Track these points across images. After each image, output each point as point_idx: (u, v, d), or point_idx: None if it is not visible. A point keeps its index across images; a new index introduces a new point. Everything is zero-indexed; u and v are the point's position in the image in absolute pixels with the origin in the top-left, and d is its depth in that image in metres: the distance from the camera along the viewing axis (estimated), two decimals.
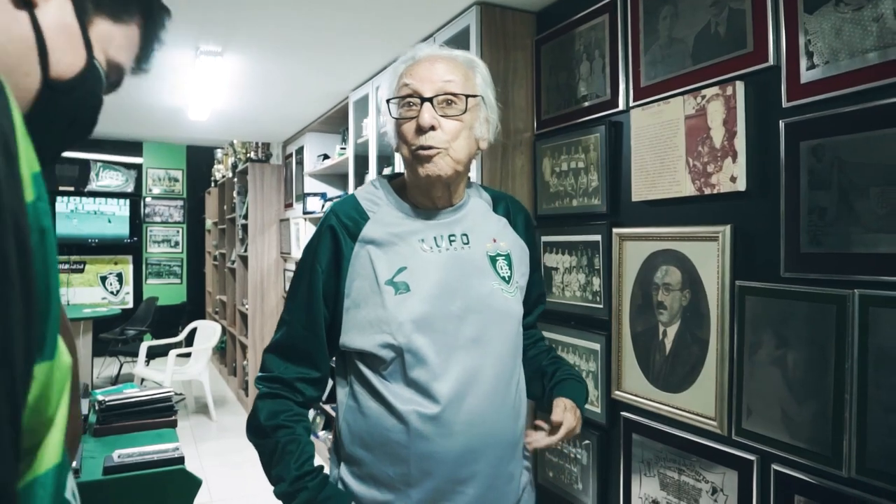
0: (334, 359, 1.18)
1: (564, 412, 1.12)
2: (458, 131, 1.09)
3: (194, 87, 3.28)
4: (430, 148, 1.07)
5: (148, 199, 7.60)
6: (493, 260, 1.16)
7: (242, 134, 5.34)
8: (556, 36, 2.21)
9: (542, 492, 2.28)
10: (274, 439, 1.08)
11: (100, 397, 3.15)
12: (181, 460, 2.43)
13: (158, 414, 2.98)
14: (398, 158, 1.24)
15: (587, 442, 2.02)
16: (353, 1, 2.31)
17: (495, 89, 1.17)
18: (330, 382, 1.25)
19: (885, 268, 1.23)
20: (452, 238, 1.14)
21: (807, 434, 1.37)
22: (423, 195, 1.14)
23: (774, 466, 1.44)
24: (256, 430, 1.11)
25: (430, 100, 1.07)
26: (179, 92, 3.54)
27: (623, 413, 1.88)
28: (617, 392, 1.90)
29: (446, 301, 1.09)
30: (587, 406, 2.02)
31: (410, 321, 1.07)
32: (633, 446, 1.84)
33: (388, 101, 1.13)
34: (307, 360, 1.13)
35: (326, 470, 1.12)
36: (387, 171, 3.13)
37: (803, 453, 1.38)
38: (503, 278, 1.16)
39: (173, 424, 2.96)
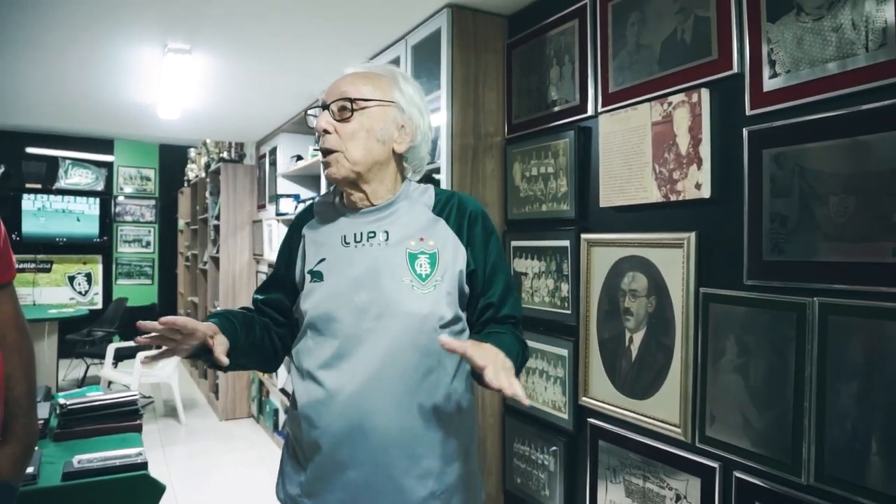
0: None
1: (469, 346, 1.02)
2: (351, 133, 1.18)
3: (163, 85, 3.22)
4: (327, 153, 1.19)
5: (119, 198, 7.46)
6: (412, 258, 1.19)
7: (215, 133, 5.27)
8: (528, 40, 2.20)
9: (510, 498, 2.26)
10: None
11: (61, 401, 3.06)
12: (144, 465, 2.36)
13: (123, 418, 2.90)
14: None
15: (554, 448, 2.01)
16: (324, 1, 2.28)
17: (422, 103, 1.26)
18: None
19: (843, 276, 1.24)
20: (371, 235, 1.21)
21: (767, 441, 1.37)
22: (345, 195, 1.26)
23: (736, 473, 1.44)
24: None
25: (327, 107, 1.20)
26: (148, 89, 3.47)
27: (590, 419, 1.88)
28: (584, 398, 1.89)
29: (351, 293, 1.17)
30: (554, 411, 2.01)
31: (314, 309, 1.19)
32: (600, 453, 1.83)
33: (305, 112, 1.24)
34: (272, 306, 1.31)
35: None
36: None
37: (764, 460, 1.38)
38: (419, 276, 1.18)
39: (138, 429, 2.89)
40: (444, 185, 2.23)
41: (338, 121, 1.18)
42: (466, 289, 1.23)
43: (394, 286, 1.16)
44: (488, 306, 1.24)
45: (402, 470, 1.13)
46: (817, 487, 1.27)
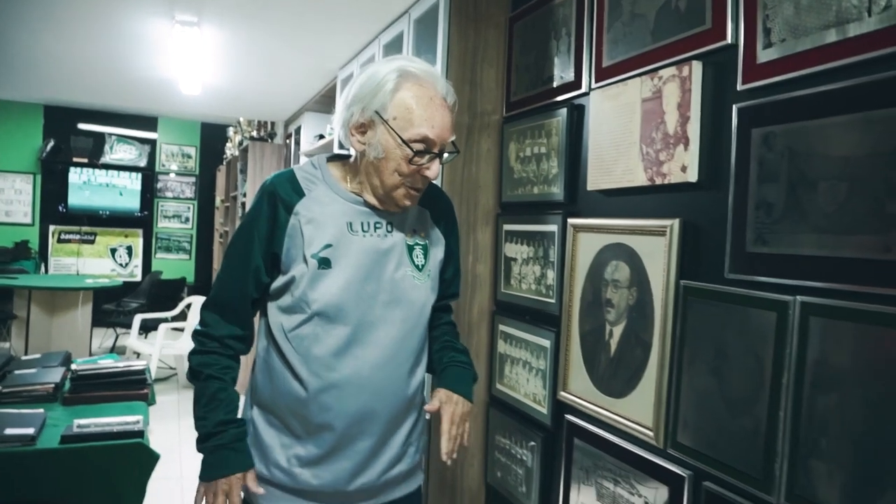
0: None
1: (443, 404, 1.26)
2: None
3: (177, 59, 3.22)
4: (418, 189, 1.22)
5: (161, 175, 7.64)
6: (410, 249, 1.27)
7: (246, 111, 5.31)
8: (530, 12, 2.07)
9: (490, 493, 2.17)
10: (207, 385, 1.21)
11: (74, 366, 3.14)
12: (140, 434, 2.37)
13: (130, 386, 2.94)
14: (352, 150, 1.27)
15: (532, 444, 1.91)
16: None
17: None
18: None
19: (829, 273, 1.09)
20: (378, 225, 1.24)
21: (739, 453, 1.24)
22: (378, 201, 1.23)
23: (706, 485, 1.31)
24: (193, 375, 1.24)
25: (440, 155, 1.20)
26: (166, 64, 3.48)
27: (567, 416, 1.76)
28: (562, 393, 1.78)
29: (362, 282, 1.20)
30: (534, 404, 1.91)
31: (326, 296, 1.18)
32: (575, 452, 1.72)
33: (391, 127, 1.15)
34: (237, 318, 1.24)
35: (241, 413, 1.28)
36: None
37: (735, 474, 1.24)
38: (417, 266, 1.27)
39: (144, 398, 2.93)
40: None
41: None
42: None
43: (398, 276, 1.24)
44: (442, 282, 1.36)
45: (402, 435, 1.28)
46: None
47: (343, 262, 1.19)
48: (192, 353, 1.25)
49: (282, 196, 1.21)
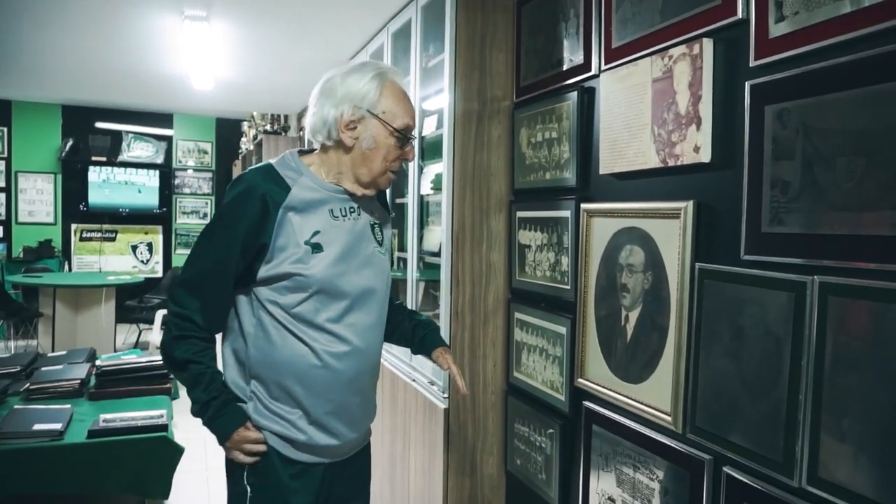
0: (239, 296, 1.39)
1: (447, 356, 1.54)
2: None
3: (188, 54, 3.23)
4: (397, 173, 1.44)
5: (178, 171, 7.71)
6: (372, 227, 1.46)
7: (258, 105, 5.33)
8: None
9: (511, 479, 2.18)
10: (189, 372, 1.33)
11: (98, 362, 3.19)
12: (164, 427, 2.42)
13: (153, 381, 2.99)
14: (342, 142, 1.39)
15: (551, 431, 1.90)
16: None
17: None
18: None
19: (848, 252, 1.06)
20: (352, 209, 1.42)
21: (759, 436, 1.22)
22: (359, 186, 1.40)
23: (726, 470, 1.30)
24: (173, 364, 1.35)
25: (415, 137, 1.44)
26: (176, 60, 3.50)
27: (585, 402, 1.75)
28: (580, 380, 1.77)
29: (348, 259, 1.38)
30: (552, 392, 1.91)
31: (323, 275, 1.33)
32: (593, 438, 1.71)
33: (384, 121, 1.35)
34: (213, 299, 1.34)
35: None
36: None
37: (755, 457, 1.23)
38: (378, 242, 1.47)
39: (167, 392, 2.97)
40: (446, 153, 2.12)
41: None
42: None
43: (371, 251, 1.44)
44: None
45: (376, 390, 1.52)
46: (809, 492, 1.11)
47: (332, 245, 1.36)
48: (172, 339, 1.33)
49: (270, 192, 1.33)
